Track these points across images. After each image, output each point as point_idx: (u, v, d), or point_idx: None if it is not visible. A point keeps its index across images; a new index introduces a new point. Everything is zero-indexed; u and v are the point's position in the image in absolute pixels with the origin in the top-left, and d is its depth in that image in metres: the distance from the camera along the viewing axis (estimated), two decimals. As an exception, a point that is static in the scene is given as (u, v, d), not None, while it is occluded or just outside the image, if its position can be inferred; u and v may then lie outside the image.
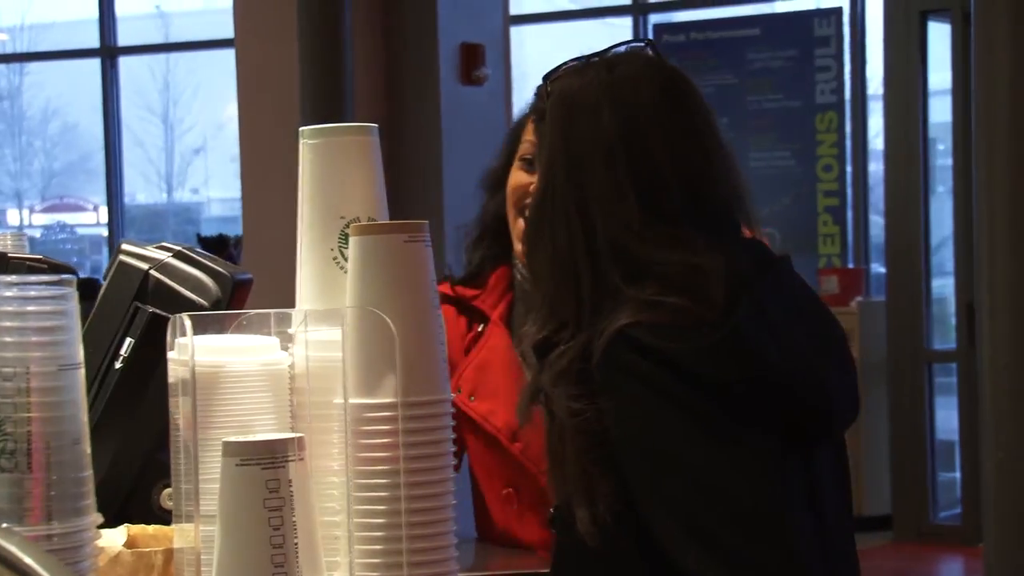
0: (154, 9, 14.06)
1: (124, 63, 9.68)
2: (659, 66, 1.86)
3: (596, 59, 1.87)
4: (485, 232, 2.47)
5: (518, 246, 2.38)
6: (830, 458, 1.86)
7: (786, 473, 1.75)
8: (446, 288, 2.47)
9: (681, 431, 1.70)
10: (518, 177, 2.39)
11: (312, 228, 1.64)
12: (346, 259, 1.58)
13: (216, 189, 15.17)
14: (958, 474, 7.43)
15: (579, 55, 1.90)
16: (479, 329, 2.43)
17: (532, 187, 2.37)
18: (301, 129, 1.65)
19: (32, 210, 15.58)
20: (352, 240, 1.54)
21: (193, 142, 15.38)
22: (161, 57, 13.29)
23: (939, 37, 7.31)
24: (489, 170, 2.49)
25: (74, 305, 1.39)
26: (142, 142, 14.60)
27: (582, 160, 1.79)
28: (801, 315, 1.83)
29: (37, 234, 15.10)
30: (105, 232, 10.51)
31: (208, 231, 9.70)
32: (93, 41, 9.36)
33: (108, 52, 9.20)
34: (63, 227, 15.17)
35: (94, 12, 9.29)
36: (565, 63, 1.89)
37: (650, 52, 1.90)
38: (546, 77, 1.89)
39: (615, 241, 1.76)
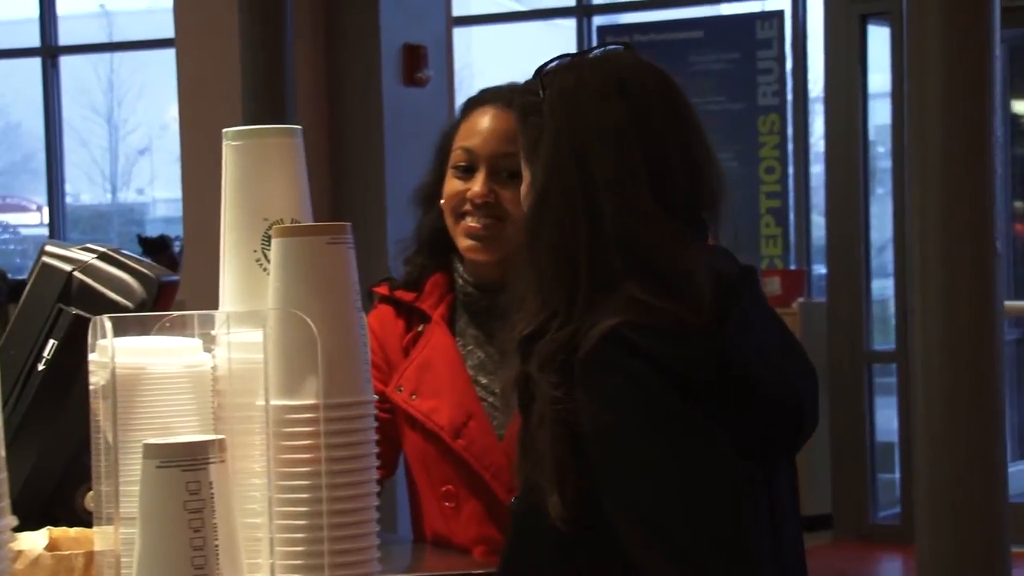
0: (98, 8, 13.97)
1: (68, 62, 9.62)
2: (646, 61, 1.89)
3: (580, 58, 1.89)
4: (423, 245, 2.48)
5: (464, 242, 2.38)
6: (787, 470, 1.88)
7: (753, 485, 1.77)
8: (384, 289, 2.48)
9: (659, 432, 1.71)
10: (453, 185, 2.40)
11: (235, 230, 1.64)
12: (269, 261, 1.58)
13: (161, 190, 15.08)
14: (898, 474, 7.48)
15: (561, 54, 1.92)
16: (419, 329, 2.44)
17: (469, 193, 2.38)
18: (224, 131, 1.65)
19: (-26, 210, 15.44)
20: (274, 242, 1.54)
21: (138, 142, 15.28)
22: (105, 56, 13.20)
23: (879, 40, 7.37)
24: (422, 185, 2.50)
25: (-12, 308, 1.39)
26: (87, 142, 14.50)
27: (591, 147, 1.80)
28: (772, 326, 1.86)
29: (-20, 234, 14.96)
30: (47, 232, 10.43)
31: (153, 232, 9.64)
32: (34, 40, 9.29)
33: (49, 52, 9.13)
34: (6, 227, 15.04)
35: (35, 11, 9.22)
36: (550, 61, 1.90)
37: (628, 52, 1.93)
38: (538, 73, 1.89)
39: (624, 228, 1.77)
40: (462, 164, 2.39)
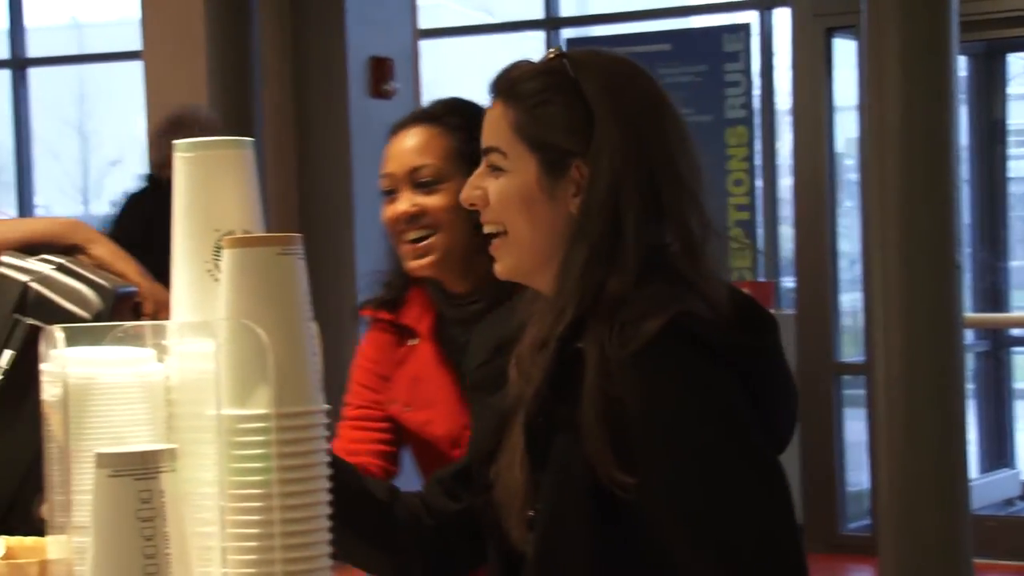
0: (68, 20, 13.95)
1: (38, 74, 9.59)
2: None
3: (579, 51, 1.90)
4: (398, 267, 2.52)
5: (408, 264, 2.43)
6: None
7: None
8: (370, 311, 2.54)
9: (712, 425, 1.71)
10: (384, 211, 2.47)
11: (187, 240, 1.65)
12: (220, 271, 1.59)
13: (133, 201, 15.00)
14: (867, 485, 7.51)
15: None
16: (410, 343, 2.49)
17: (397, 213, 2.41)
18: (176, 143, 1.66)
19: (-56, 222, 15.32)
20: (225, 252, 1.55)
21: (109, 154, 15.26)
22: (76, 68, 13.18)
23: (847, 53, 7.41)
24: None
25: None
26: (58, 154, 14.47)
27: (652, 125, 1.82)
28: None
29: (-50, 247, 14.86)
30: (17, 245, 10.36)
31: (123, 244, 9.59)
32: (3, 52, 9.27)
33: (18, 64, 9.11)
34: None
35: (4, 23, 9.21)
36: (519, 62, 1.90)
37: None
38: (556, 59, 1.87)
39: (677, 208, 1.79)
40: (386, 190, 2.46)
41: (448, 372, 2.44)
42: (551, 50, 1.88)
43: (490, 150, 1.87)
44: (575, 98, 1.81)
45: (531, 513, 1.84)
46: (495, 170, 1.86)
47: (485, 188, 1.87)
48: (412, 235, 2.41)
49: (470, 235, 2.37)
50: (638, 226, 1.77)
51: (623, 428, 1.71)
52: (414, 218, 2.40)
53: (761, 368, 1.76)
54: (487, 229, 1.89)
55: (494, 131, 1.87)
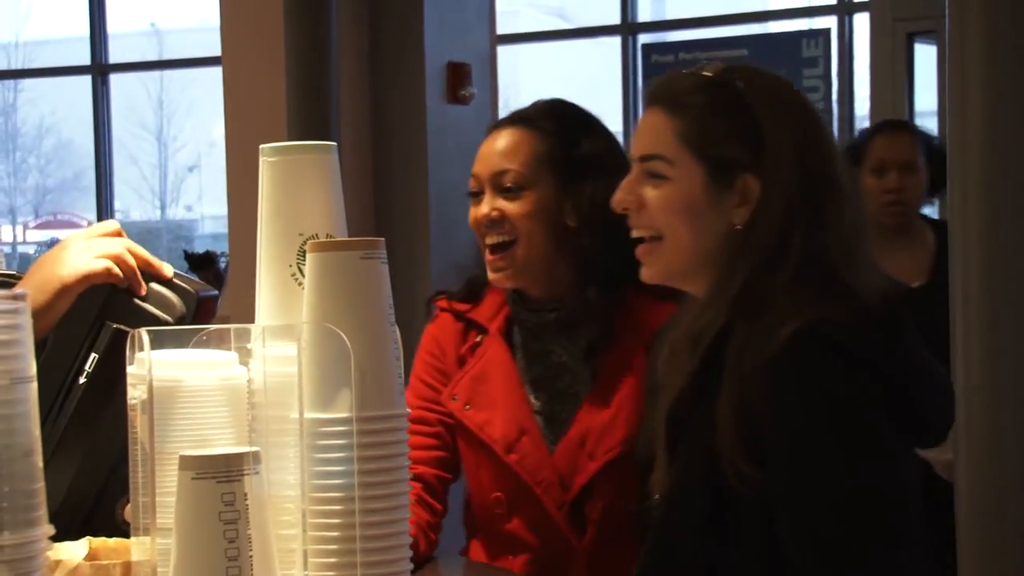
0: (148, 26, 14.10)
1: (118, 80, 9.71)
2: None
3: (735, 65, 1.93)
4: (482, 265, 2.52)
5: (489, 275, 2.42)
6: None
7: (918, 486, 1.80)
8: (443, 302, 2.52)
9: (844, 443, 1.73)
10: (470, 212, 2.47)
11: (271, 245, 1.66)
12: (304, 275, 1.60)
13: (209, 206, 15.20)
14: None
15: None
16: (477, 340, 2.46)
17: (479, 216, 2.41)
18: (261, 147, 1.67)
19: (26, 226, 15.59)
20: (309, 257, 1.56)
21: (187, 159, 15.41)
22: (155, 74, 13.32)
23: (927, 58, 7.34)
24: None
25: (27, 319, 1.41)
26: (136, 159, 14.63)
27: (816, 141, 1.85)
28: None
29: (31, 250, 15.11)
30: (97, 248, 10.47)
31: (201, 248, 9.71)
32: (85, 58, 9.39)
33: (99, 69, 9.22)
34: (56, 243, 15.14)
35: (86, 29, 9.32)
36: (679, 71, 1.94)
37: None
38: (726, 73, 1.89)
39: (843, 224, 1.82)
40: (472, 191, 2.46)
41: (513, 375, 2.41)
42: (710, 63, 1.90)
43: (651, 157, 1.89)
44: (744, 113, 1.84)
45: (657, 496, 1.88)
46: (655, 177, 1.88)
47: (640, 194, 1.89)
48: (492, 239, 2.40)
49: (551, 243, 2.38)
50: (805, 239, 1.79)
51: (755, 428, 1.74)
52: (494, 222, 2.40)
53: (900, 365, 1.76)
54: (637, 233, 1.91)
55: (656, 139, 1.89)
